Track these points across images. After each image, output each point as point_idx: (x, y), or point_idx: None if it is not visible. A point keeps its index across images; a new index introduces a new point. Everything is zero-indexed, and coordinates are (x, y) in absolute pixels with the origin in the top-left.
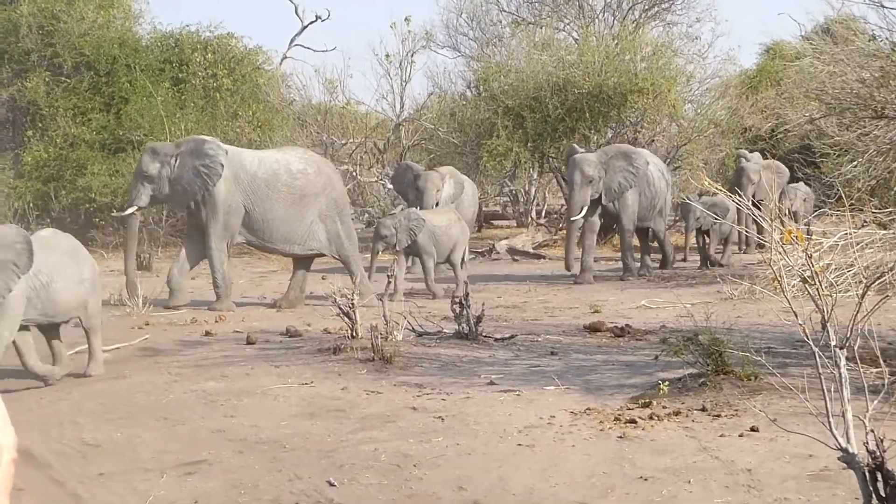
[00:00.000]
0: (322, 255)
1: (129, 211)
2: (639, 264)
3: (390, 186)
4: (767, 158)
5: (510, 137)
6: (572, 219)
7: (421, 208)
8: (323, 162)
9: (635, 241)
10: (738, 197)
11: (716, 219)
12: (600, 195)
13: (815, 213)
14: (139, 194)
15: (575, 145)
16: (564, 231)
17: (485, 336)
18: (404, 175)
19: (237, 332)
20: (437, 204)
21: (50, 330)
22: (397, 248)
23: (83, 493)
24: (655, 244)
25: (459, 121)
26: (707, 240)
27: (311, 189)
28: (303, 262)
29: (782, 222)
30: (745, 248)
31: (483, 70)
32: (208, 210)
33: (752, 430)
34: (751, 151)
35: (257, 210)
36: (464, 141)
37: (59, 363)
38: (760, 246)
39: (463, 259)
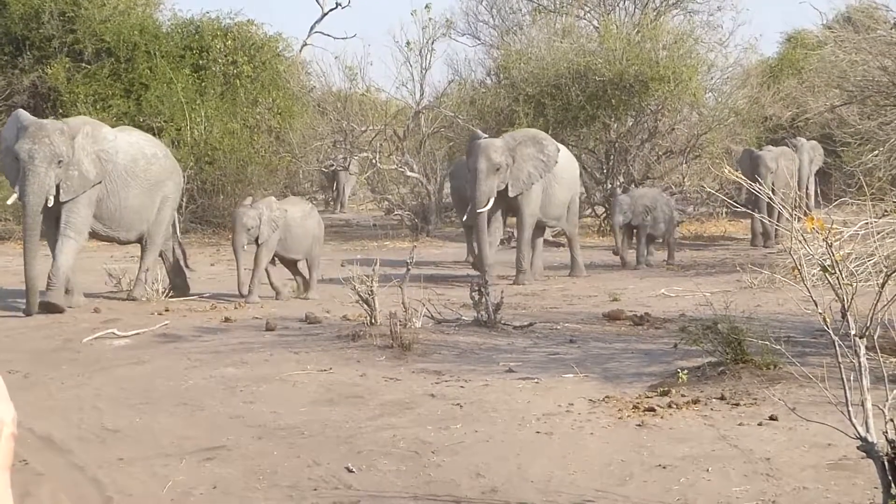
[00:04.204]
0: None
1: (52, 202)
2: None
3: (413, 174)
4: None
5: (531, 125)
6: (478, 211)
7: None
8: (163, 145)
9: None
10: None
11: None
12: (507, 186)
13: (836, 203)
14: (51, 181)
15: (477, 130)
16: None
17: (503, 323)
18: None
19: (256, 318)
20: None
21: None
22: (259, 242)
23: (103, 478)
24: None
25: (479, 108)
26: (633, 237)
27: (163, 175)
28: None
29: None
30: (774, 240)
31: (503, 58)
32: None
33: (771, 418)
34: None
35: (112, 198)
36: (484, 129)
37: None
38: (764, 236)
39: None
